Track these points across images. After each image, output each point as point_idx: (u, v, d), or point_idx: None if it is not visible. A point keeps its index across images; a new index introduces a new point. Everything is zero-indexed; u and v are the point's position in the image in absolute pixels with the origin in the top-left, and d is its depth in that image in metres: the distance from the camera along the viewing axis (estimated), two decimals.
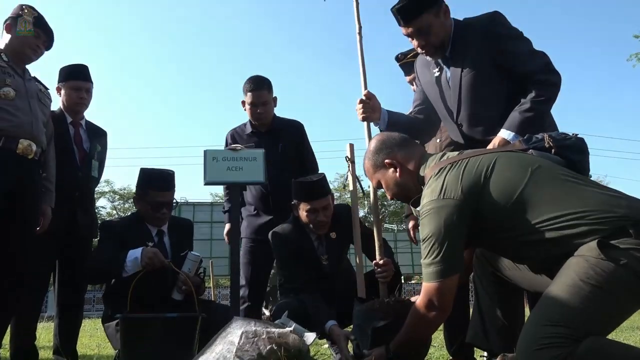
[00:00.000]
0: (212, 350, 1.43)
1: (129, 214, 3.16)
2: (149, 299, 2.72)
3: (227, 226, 3.74)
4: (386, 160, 2.07)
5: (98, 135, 3.44)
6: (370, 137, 2.61)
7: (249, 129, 3.63)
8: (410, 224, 3.26)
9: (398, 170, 2.05)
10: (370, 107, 2.63)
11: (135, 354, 2.32)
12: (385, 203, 29.73)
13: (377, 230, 2.63)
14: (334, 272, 2.98)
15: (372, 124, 2.68)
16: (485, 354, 2.36)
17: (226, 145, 3.63)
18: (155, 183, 2.95)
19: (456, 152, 1.98)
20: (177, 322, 2.36)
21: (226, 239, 3.78)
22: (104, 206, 27.63)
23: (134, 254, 2.68)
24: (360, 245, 2.75)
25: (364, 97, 2.64)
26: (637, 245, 1.53)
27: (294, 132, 3.66)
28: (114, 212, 27.87)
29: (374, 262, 2.62)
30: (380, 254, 2.59)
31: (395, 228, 27.46)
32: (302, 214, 2.90)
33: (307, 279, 2.86)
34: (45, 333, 6.30)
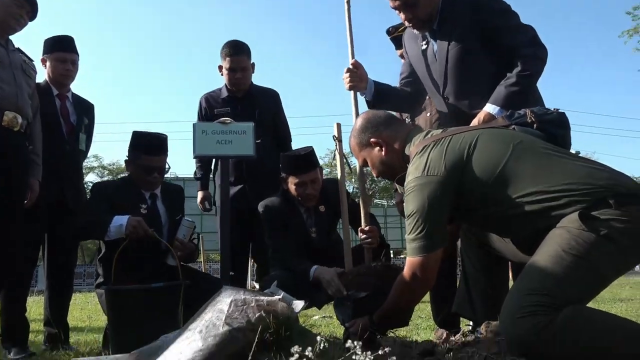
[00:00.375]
0: (201, 318, 1.45)
1: (120, 177, 3.13)
2: (143, 264, 2.73)
3: (200, 194, 3.78)
4: (372, 139, 2.08)
5: (85, 108, 3.40)
6: (357, 108, 2.62)
7: (224, 94, 3.55)
8: (398, 198, 3.29)
9: (383, 149, 2.07)
10: (358, 77, 2.62)
11: (121, 325, 2.33)
12: (376, 179, 29.85)
13: (362, 199, 2.67)
14: (323, 245, 3.01)
15: (359, 95, 2.68)
16: (471, 323, 2.41)
17: (200, 109, 3.58)
18: (148, 147, 2.91)
19: (440, 130, 1.99)
20: (161, 292, 2.38)
21: (200, 207, 3.80)
22: (93, 182, 27.49)
23: (120, 220, 2.66)
24: (347, 219, 2.77)
25: (351, 66, 2.63)
26: (617, 216, 1.56)
27: (270, 100, 3.61)
28: None
29: (359, 228, 2.66)
30: (366, 221, 2.63)
31: (385, 204, 27.64)
32: (291, 187, 2.92)
33: (296, 250, 2.90)
34: (35, 307, 6.33)
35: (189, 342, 1.41)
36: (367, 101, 2.72)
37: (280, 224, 2.94)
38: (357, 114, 2.60)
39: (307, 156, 2.90)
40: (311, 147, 2.99)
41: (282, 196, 3.00)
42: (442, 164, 1.79)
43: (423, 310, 5.50)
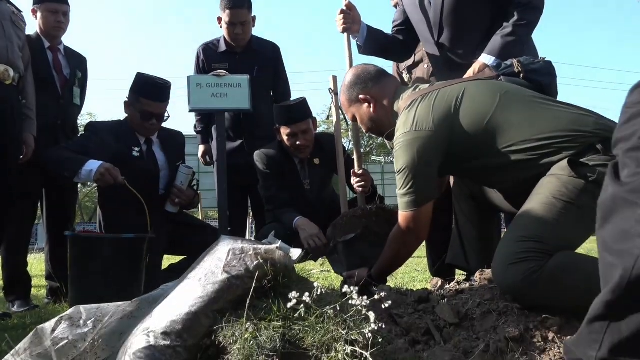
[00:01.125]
0: (200, 267, 1.48)
1: (115, 120, 3.07)
2: (142, 210, 2.75)
3: (201, 148, 3.73)
4: (360, 96, 2.08)
5: (78, 61, 3.35)
6: (350, 52, 2.60)
7: (222, 47, 3.45)
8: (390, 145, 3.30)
9: (372, 105, 2.07)
10: (351, 18, 2.59)
11: (82, 273, 2.35)
12: (373, 135, 29.76)
13: (355, 145, 2.68)
14: (316, 197, 3.03)
15: (352, 40, 2.64)
16: (466, 274, 2.46)
17: (197, 60, 3.51)
18: (149, 91, 2.88)
19: (427, 85, 1.99)
20: (126, 243, 2.37)
21: (201, 160, 3.79)
22: None
23: (92, 165, 2.63)
24: (344, 173, 2.78)
25: (344, 8, 2.59)
26: (605, 162, 1.57)
27: (270, 55, 3.53)
28: None
29: (352, 171, 2.68)
30: (359, 165, 2.65)
31: (383, 160, 27.65)
32: (283, 138, 2.93)
33: (290, 200, 2.92)
34: (37, 264, 6.42)
35: (189, 290, 1.43)
36: (358, 45, 2.69)
37: (274, 173, 2.97)
38: (350, 59, 2.58)
39: (299, 106, 2.90)
40: (303, 97, 2.98)
41: (277, 146, 3.01)
42: (430, 118, 1.80)
43: (420, 263, 5.61)
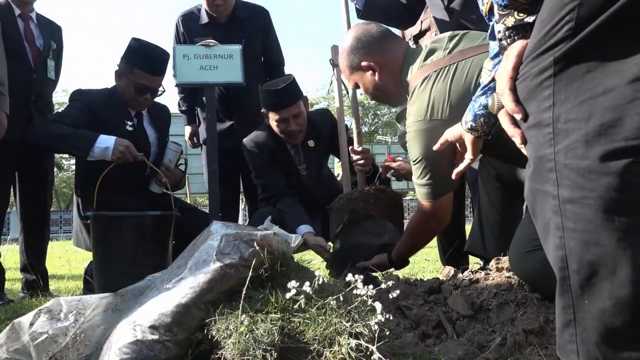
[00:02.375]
0: (190, 255, 1.49)
1: (104, 88, 3.03)
2: (123, 190, 2.74)
3: (188, 129, 3.70)
4: (363, 63, 2.04)
5: (52, 31, 3.32)
6: (348, 16, 2.58)
7: (204, 19, 3.40)
8: (399, 133, 3.28)
9: (377, 73, 2.04)
10: None
11: (108, 254, 2.38)
12: (379, 112, 29.65)
13: (355, 118, 2.68)
14: (313, 182, 3.03)
15: (350, 3, 2.64)
16: (481, 262, 2.48)
17: (176, 33, 3.47)
18: (146, 63, 2.85)
19: (441, 51, 1.93)
20: (153, 220, 2.41)
21: (189, 143, 3.77)
22: None
23: (106, 141, 2.62)
24: (346, 153, 2.78)
25: None
26: None
27: (258, 22, 3.47)
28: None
29: (351, 148, 2.69)
30: (359, 142, 2.66)
31: (389, 140, 27.61)
32: (272, 124, 2.90)
33: (285, 187, 2.93)
34: (10, 255, 6.45)
35: (178, 280, 1.45)
36: (357, 9, 2.67)
37: (267, 161, 2.95)
38: (348, 24, 2.56)
39: (287, 89, 2.83)
40: (291, 76, 2.93)
41: (267, 130, 2.99)
42: (446, 104, 1.79)
43: (429, 253, 5.63)
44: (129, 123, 2.88)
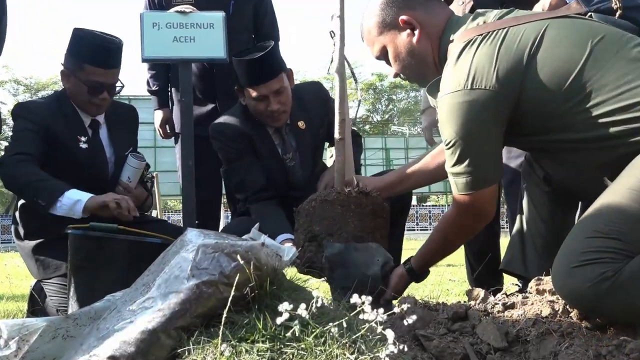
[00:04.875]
0: (159, 270, 1.50)
1: (51, 93, 3.04)
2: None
3: (159, 114, 3.68)
4: (402, 17, 2.03)
5: None
6: None
7: None
8: (426, 122, 3.28)
9: (416, 33, 2.03)
10: None
11: (90, 282, 2.40)
12: (394, 97, 29.66)
13: (340, 97, 2.52)
14: (305, 178, 2.99)
15: None
16: (518, 282, 2.48)
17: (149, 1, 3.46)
18: (95, 54, 2.85)
19: (492, 14, 1.95)
20: (148, 248, 2.40)
21: (159, 132, 3.76)
22: (4, 101, 27.31)
23: (75, 195, 2.63)
24: (351, 146, 2.79)
25: None
26: None
27: None
28: None
29: (329, 148, 2.64)
30: (341, 131, 2.52)
31: (407, 132, 27.66)
32: (249, 103, 2.87)
33: (261, 188, 2.88)
34: None
35: (144, 300, 1.46)
36: None
37: (244, 150, 2.90)
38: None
39: (265, 59, 2.78)
40: (271, 43, 2.89)
41: (242, 111, 2.94)
42: (492, 71, 1.78)
43: (455, 272, 5.65)
44: (82, 139, 2.89)
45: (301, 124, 2.96)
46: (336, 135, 2.51)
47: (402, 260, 2.35)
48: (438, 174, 2.49)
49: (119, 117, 3.11)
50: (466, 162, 1.86)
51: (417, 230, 20.09)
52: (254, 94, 2.81)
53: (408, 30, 2.04)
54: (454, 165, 1.89)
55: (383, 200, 2.40)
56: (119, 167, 2.98)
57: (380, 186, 2.46)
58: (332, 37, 2.72)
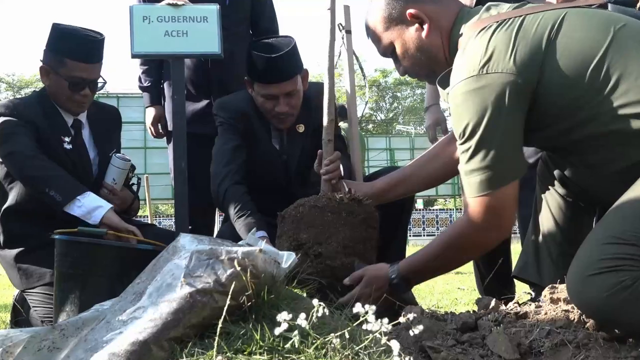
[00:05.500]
0: (150, 277, 1.50)
1: (30, 93, 3.05)
2: (56, 219, 2.77)
3: (150, 112, 3.67)
4: (410, 11, 2.02)
5: None
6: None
7: None
8: (429, 120, 3.28)
9: (425, 27, 2.01)
10: None
11: (76, 291, 2.39)
12: (399, 95, 29.68)
13: (328, 99, 2.51)
14: (301, 182, 2.97)
15: None
16: (530, 290, 2.49)
17: None
18: (77, 48, 2.87)
19: (506, 6, 1.94)
20: (140, 255, 2.42)
21: (151, 130, 3.75)
22: None
23: (96, 201, 2.67)
24: (358, 148, 2.78)
25: None
26: None
27: None
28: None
29: (319, 151, 2.53)
30: (329, 134, 2.51)
31: (413, 131, 27.66)
32: (256, 98, 2.86)
33: (241, 178, 2.81)
34: None
35: (134, 310, 1.46)
36: None
37: (238, 130, 2.88)
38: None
39: (284, 59, 2.76)
40: (292, 40, 2.88)
41: (248, 100, 2.92)
42: (509, 55, 1.76)
43: (464, 281, 5.66)
44: (66, 140, 2.91)
45: (299, 126, 2.95)
46: (324, 137, 2.49)
47: None
48: (434, 178, 2.49)
49: (102, 117, 3.14)
50: (482, 156, 1.80)
51: (424, 235, 20.11)
52: (263, 91, 2.80)
53: (416, 25, 2.03)
54: (469, 160, 1.83)
55: (375, 212, 2.35)
56: (102, 169, 2.99)
57: (371, 193, 2.41)
58: (341, 30, 2.71)
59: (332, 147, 2.48)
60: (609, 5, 1.95)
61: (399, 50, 2.10)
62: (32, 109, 2.91)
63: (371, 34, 2.16)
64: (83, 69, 2.87)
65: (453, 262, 2.11)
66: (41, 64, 2.95)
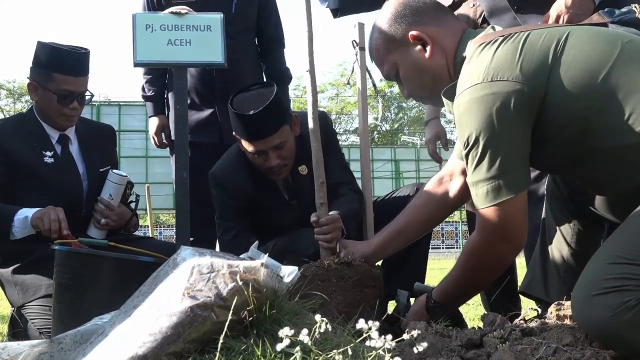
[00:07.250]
0: (150, 291, 1.51)
1: (17, 114, 3.12)
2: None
3: (154, 121, 3.69)
4: (411, 32, 2.04)
5: None
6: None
7: None
8: (429, 134, 3.29)
9: (428, 48, 2.03)
10: None
11: (76, 302, 2.39)
12: (405, 105, 29.70)
13: (312, 135, 2.45)
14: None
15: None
16: (537, 307, 2.48)
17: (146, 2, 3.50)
18: (63, 62, 2.93)
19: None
20: (132, 266, 2.41)
21: (154, 139, 3.76)
22: None
23: (25, 212, 2.69)
24: (369, 174, 2.76)
25: None
26: None
27: None
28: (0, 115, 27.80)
29: (313, 214, 2.46)
30: (322, 197, 2.45)
31: (418, 142, 27.64)
32: (246, 153, 2.80)
33: (272, 231, 2.85)
34: None
35: (134, 324, 1.46)
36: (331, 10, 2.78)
37: (239, 208, 2.89)
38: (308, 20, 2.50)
39: (262, 115, 2.63)
40: (272, 90, 2.74)
41: (243, 158, 2.86)
42: (515, 64, 1.77)
43: None
44: (48, 154, 2.94)
45: (303, 168, 2.89)
46: (317, 200, 2.44)
47: (426, 281, 2.32)
48: (431, 223, 2.48)
49: (93, 134, 3.18)
50: (487, 165, 1.80)
51: (443, 248, 20.07)
52: (250, 148, 2.74)
53: (419, 46, 2.05)
54: (474, 170, 1.83)
55: (371, 267, 2.32)
56: (94, 184, 3.02)
57: (368, 252, 2.37)
58: (355, 47, 2.71)
59: (325, 210, 2.44)
60: (610, 25, 1.96)
61: (402, 72, 2.12)
62: (10, 128, 3.00)
63: (375, 56, 2.18)
64: (71, 82, 2.93)
65: (478, 281, 2.12)
66: (30, 80, 3.00)
